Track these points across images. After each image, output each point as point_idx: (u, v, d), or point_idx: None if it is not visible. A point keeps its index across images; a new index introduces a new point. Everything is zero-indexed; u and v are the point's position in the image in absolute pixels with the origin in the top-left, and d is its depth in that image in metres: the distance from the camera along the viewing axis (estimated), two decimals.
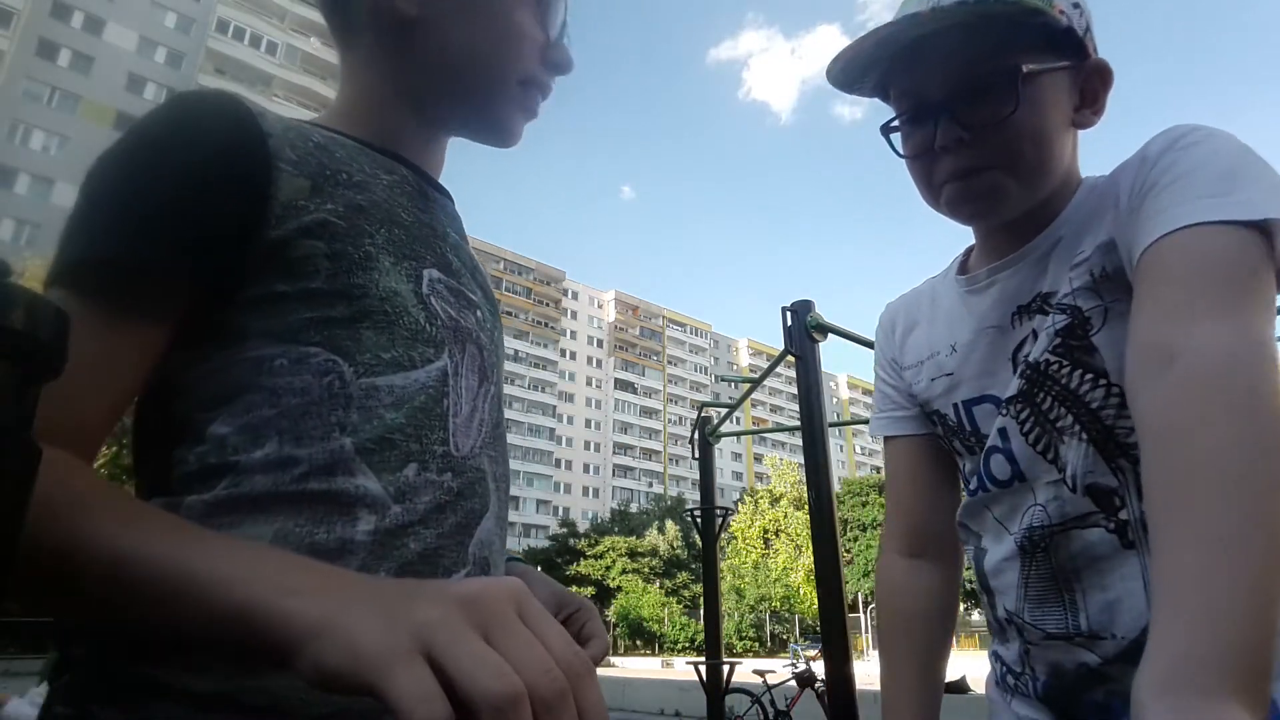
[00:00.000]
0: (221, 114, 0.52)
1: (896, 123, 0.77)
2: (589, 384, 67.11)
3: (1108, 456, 0.67)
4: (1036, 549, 0.72)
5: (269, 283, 0.53)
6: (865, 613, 37.56)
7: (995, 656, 0.80)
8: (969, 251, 0.87)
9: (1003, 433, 0.75)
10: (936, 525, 0.88)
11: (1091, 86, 0.74)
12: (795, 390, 3.60)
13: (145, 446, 0.55)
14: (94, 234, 0.49)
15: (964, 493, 0.82)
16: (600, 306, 71.21)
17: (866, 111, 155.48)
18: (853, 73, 0.76)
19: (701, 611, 8.73)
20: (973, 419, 0.80)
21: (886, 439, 0.93)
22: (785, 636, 38.40)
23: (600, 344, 69.52)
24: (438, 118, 0.69)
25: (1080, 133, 0.76)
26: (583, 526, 48.98)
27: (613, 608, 39.82)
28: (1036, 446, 0.72)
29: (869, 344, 4.22)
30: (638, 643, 39.74)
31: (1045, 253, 0.74)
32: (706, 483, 5.56)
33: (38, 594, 0.41)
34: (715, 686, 4.93)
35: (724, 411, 5.63)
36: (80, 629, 0.51)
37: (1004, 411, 0.75)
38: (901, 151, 0.77)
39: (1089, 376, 0.69)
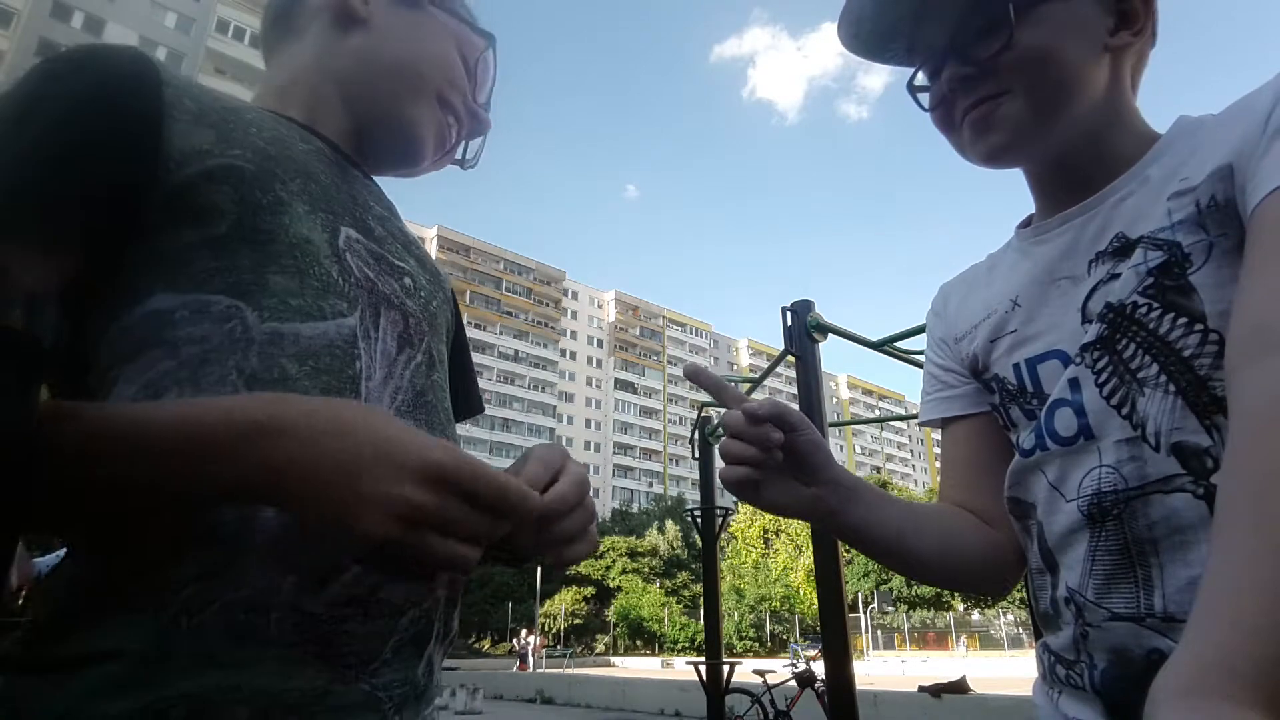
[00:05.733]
0: (112, 61, 0.51)
1: (921, 80, 0.76)
2: (589, 384, 67.07)
3: (1200, 412, 0.60)
4: (1106, 517, 0.64)
5: (174, 233, 0.52)
6: (865, 613, 37.56)
7: (1043, 649, 0.72)
8: (1029, 218, 0.81)
9: (1073, 383, 0.67)
10: (993, 515, 0.78)
11: (1129, 6, 0.69)
12: (795, 390, 3.60)
13: None
14: None
15: (1015, 456, 0.74)
16: (600, 306, 71.18)
17: (874, 110, 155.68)
18: (866, 36, 0.76)
19: (701, 611, 8.73)
20: (1036, 379, 0.73)
21: (943, 426, 0.85)
22: (785, 636, 38.34)
23: (600, 344, 69.49)
24: (359, 113, 0.72)
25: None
26: None
27: (613, 608, 39.80)
28: (1111, 400, 0.64)
29: (869, 344, 4.24)
30: (638, 643, 39.71)
31: (1130, 194, 0.68)
32: (706, 483, 5.56)
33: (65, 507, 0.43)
34: (715, 686, 4.94)
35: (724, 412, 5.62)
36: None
37: (1078, 360, 0.68)
38: (925, 106, 0.76)
39: (1182, 321, 0.61)
